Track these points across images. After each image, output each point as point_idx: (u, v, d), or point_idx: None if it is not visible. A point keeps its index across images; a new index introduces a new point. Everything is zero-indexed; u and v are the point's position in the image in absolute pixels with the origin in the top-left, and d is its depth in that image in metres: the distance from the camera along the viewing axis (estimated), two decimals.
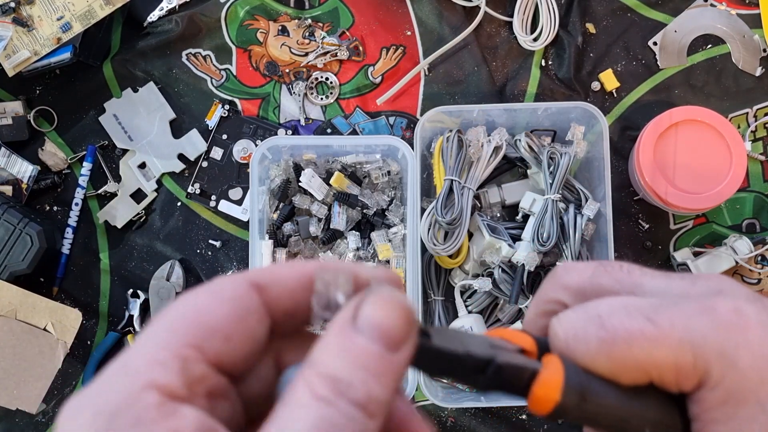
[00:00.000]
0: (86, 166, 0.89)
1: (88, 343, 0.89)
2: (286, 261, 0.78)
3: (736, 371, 0.26)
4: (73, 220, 0.89)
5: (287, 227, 0.83)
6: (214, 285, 0.25)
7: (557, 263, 0.79)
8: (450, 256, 0.80)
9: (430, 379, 0.81)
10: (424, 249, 0.79)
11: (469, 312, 0.82)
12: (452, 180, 0.78)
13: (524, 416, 0.86)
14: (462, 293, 0.83)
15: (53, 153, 0.90)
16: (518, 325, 0.80)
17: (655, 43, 0.89)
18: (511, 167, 0.87)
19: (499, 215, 0.85)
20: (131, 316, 0.88)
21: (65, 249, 0.89)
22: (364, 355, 0.23)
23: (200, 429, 0.22)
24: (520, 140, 0.81)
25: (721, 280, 0.29)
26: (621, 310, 0.27)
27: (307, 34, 0.90)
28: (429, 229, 0.77)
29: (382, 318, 0.24)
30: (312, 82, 0.90)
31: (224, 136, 0.89)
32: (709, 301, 0.27)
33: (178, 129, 0.90)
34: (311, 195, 0.82)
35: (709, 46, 0.89)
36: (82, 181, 0.89)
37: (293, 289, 0.26)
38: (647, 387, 0.28)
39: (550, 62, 0.89)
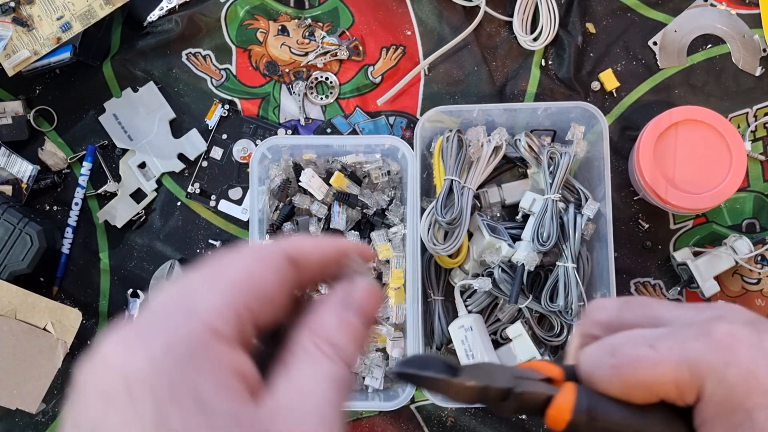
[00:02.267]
0: (86, 166, 0.89)
1: (88, 342, 0.89)
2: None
3: (726, 385, 0.30)
4: (72, 220, 0.89)
5: (287, 227, 0.83)
6: (259, 252, 0.30)
7: (557, 263, 0.79)
8: (450, 256, 0.80)
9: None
10: (423, 249, 0.79)
11: (469, 312, 0.82)
12: (452, 180, 0.78)
13: (524, 416, 0.86)
14: (462, 293, 0.83)
15: (53, 153, 0.90)
16: (518, 325, 0.80)
17: (655, 43, 0.89)
18: (511, 167, 0.87)
19: (498, 215, 0.85)
20: (131, 316, 0.88)
21: (65, 249, 0.89)
22: (352, 329, 0.30)
23: (255, 374, 0.27)
24: (520, 140, 0.81)
25: (729, 308, 0.33)
26: (629, 341, 0.32)
27: (307, 33, 0.90)
28: (429, 229, 0.77)
29: (367, 304, 0.31)
30: (312, 82, 0.90)
31: (224, 136, 0.89)
32: (708, 326, 0.31)
33: (178, 129, 0.90)
34: (311, 195, 0.82)
35: (709, 46, 0.89)
36: (82, 180, 0.89)
37: (317, 266, 0.32)
38: (658, 405, 0.32)
39: (550, 62, 0.89)
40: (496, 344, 0.83)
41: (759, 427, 0.30)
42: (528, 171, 0.84)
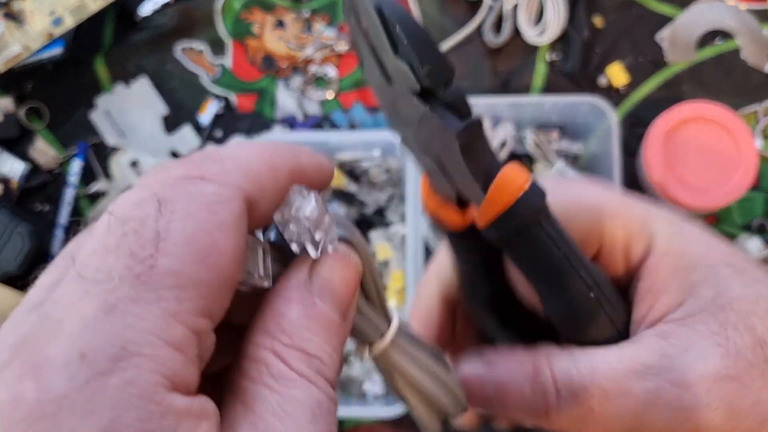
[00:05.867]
0: (77, 164, 0.88)
1: None
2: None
3: (678, 240, 0.27)
4: (64, 219, 0.87)
5: None
6: (205, 196, 0.19)
7: None
8: None
9: None
10: (426, 248, 0.78)
11: None
12: None
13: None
14: None
15: (44, 151, 0.89)
16: None
17: (662, 38, 0.87)
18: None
19: None
20: None
21: (56, 249, 0.87)
22: (327, 325, 0.21)
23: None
24: (526, 136, 0.79)
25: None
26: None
27: (304, 27, 0.89)
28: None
29: (339, 283, 0.21)
30: (310, 77, 0.88)
31: (218, 133, 0.88)
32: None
33: (171, 125, 0.88)
34: None
35: (718, 41, 0.88)
36: (74, 179, 0.88)
37: (274, 204, 0.21)
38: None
39: (556, 57, 0.88)
40: None
41: (725, 282, 0.25)
42: (534, 167, 0.83)
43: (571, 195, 0.27)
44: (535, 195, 0.25)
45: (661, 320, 0.26)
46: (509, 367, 0.27)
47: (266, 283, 0.21)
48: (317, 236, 0.21)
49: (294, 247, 0.21)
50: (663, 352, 0.24)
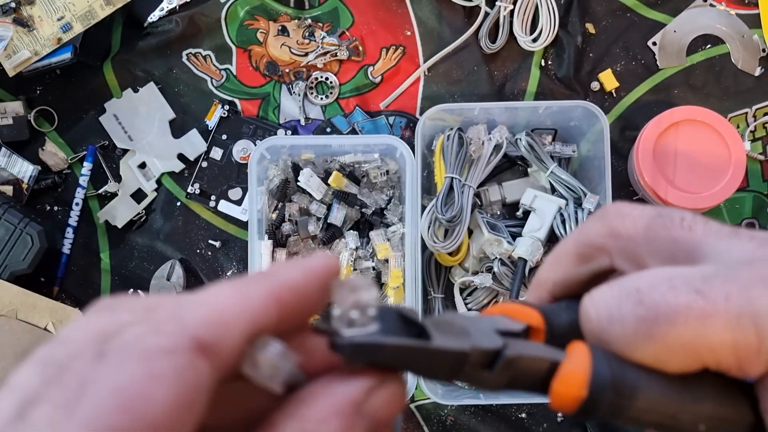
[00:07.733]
0: (86, 166, 0.89)
1: None
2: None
3: None
4: (73, 220, 0.89)
5: (286, 227, 0.83)
6: (145, 349, 0.19)
7: None
8: (450, 254, 0.80)
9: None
10: (424, 246, 0.79)
11: (469, 310, 0.82)
12: (453, 178, 0.78)
13: (524, 415, 0.86)
14: (462, 291, 0.83)
15: (54, 153, 0.90)
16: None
17: (654, 43, 0.89)
18: (511, 165, 0.87)
19: (499, 213, 0.85)
20: None
21: (66, 249, 0.89)
22: None
23: None
24: (520, 139, 0.81)
25: None
26: (664, 282, 0.22)
27: (307, 34, 0.90)
28: (429, 227, 0.78)
29: (387, 414, 0.21)
30: (312, 82, 0.90)
31: (224, 137, 0.89)
32: None
33: (177, 129, 0.90)
34: (310, 194, 0.82)
35: (709, 46, 0.89)
36: (83, 181, 0.89)
37: (247, 339, 0.21)
38: (702, 374, 0.22)
39: (549, 62, 0.89)
40: None
41: None
42: (528, 169, 0.84)
43: (660, 332, 0.22)
44: (599, 392, 0.22)
45: None
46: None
47: (277, 389, 0.21)
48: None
49: None
50: None
